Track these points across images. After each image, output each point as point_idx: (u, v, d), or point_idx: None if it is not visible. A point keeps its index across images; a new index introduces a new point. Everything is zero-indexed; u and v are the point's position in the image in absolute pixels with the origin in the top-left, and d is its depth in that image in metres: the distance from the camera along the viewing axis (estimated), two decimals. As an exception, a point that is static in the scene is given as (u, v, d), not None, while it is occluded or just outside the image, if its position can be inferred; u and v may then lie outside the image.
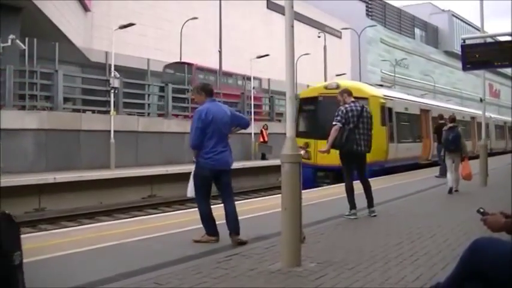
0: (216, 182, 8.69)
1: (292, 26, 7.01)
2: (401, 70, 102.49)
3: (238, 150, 30.71)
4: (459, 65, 17.26)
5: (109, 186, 24.43)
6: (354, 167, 11.52)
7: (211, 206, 8.75)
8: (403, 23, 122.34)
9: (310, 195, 13.65)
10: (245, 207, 12.59)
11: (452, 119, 17.33)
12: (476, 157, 21.96)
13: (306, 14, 78.14)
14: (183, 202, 22.49)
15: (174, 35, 49.52)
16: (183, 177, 11.43)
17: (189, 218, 10.59)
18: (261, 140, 36.90)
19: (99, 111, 29.86)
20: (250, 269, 6.84)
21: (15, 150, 23.15)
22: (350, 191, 11.21)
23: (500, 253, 3.52)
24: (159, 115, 33.82)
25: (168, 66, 40.32)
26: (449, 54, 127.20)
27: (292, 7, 7.06)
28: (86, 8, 46.41)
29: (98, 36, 46.47)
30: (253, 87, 39.07)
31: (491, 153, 33.25)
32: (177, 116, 34.51)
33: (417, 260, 7.17)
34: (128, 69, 36.45)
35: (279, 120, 41.82)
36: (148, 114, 34.05)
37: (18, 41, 24.51)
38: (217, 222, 8.64)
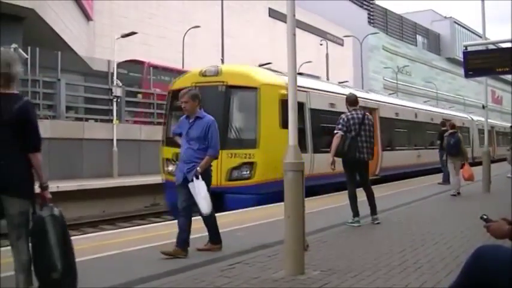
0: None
1: (294, 34, 7.01)
2: (404, 77, 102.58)
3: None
4: (461, 71, 17.28)
5: (112, 195, 24.44)
6: (355, 174, 11.52)
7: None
8: (405, 30, 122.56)
9: (313, 203, 13.63)
10: (247, 216, 12.61)
11: (453, 126, 18.61)
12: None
13: (308, 22, 78.30)
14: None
15: (177, 43, 49.59)
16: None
17: (193, 226, 10.58)
18: None
19: (102, 120, 29.91)
20: (254, 277, 6.83)
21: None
22: (353, 199, 11.20)
23: (504, 260, 3.51)
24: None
25: (120, 65, 36.00)
26: (452, 61, 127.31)
27: (294, 15, 7.06)
28: (88, 17, 46.51)
29: (100, 45, 46.54)
30: None
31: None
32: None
33: (420, 268, 7.15)
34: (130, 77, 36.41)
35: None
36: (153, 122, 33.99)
37: (20, 50, 24.55)
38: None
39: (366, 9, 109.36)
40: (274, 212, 11.46)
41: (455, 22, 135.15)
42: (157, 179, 26.43)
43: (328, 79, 49.50)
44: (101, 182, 24.42)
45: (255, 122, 16.18)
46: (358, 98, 12.15)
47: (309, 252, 7.33)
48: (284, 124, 14.47)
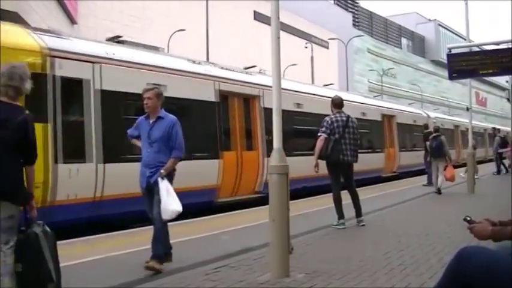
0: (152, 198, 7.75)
1: (279, 37, 7.01)
2: (389, 79, 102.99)
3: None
4: (446, 74, 17.34)
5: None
6: (339, 177, 11.53)
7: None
8: (389, 32, 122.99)
9: (298, 206, 13.63)
10: (232, 219, 12.61)
11: (436, 129, 19.88)
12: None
13: (293, 25, 78.36)
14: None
15: (162, 46, 49.48)
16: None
17: (179, 230, 10.56)
18: None
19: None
20: (239, 280, 6.82)
21: None
22: (338, 201, 11.22)
23: (486, 261, 3.53)
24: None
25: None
26: (436, 63, 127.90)
27: (278, 18, 7.06)
28: (72, 21, 46.30)
29: (85, 48, 46.27)
30: None
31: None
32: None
33: (405, 269, 7.17)
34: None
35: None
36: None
37: None
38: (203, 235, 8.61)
39: (350, 11, 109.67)
40: (260, 215, 11.46)
41: (439, 25, 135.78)
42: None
43: (313, 82, 49.41)
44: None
45: None
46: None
47: (294, 255, 7.31)
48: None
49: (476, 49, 17.56)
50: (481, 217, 4.08)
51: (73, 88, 11.98)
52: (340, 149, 11.13)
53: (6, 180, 5.28)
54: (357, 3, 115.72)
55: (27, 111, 5.47)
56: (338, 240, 10.02)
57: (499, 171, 29.78)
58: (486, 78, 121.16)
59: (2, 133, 5.23)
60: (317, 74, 63.59)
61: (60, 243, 6.16)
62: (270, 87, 7.13)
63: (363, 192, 13.82)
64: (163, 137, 7.74)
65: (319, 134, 11.29)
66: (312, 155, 11.70)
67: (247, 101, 17.71)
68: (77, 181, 11.57)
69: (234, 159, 16.64)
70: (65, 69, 11.75)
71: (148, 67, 14.05)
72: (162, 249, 7.62)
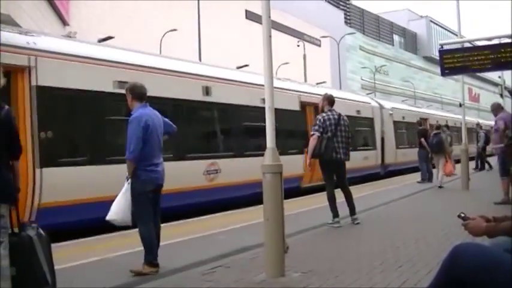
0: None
1: (270, 36, 7.01)
2: (382, 77, 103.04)
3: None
4: (438, 70, 17.37)
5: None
6: (333, 175, 11.53)
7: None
8: (381, 30, 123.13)
9: (292, 205, 13.64)
10: (228, 219, 12.61)
11: (437, 127, 21.24)
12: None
13: (285, 23, 78.32)
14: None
15: (154, 47, 49.48)
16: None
17: (175, 230, 10.55)
18: None
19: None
20: (235, 280, 6.82)
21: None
22: (332, 199, 11.21)
23: (480, 258, 3.53)
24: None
25: None
26: (429, 59, 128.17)
27: (270, 17, 7.06)
28: (64, 22, 46.19)
29: (77, 50, 46.18)
30: None
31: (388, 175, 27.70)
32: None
33: (401, 267, 7.17)
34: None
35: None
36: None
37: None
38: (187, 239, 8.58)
39: (342, 9, 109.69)
40: (255, 214, 11.46)
41: (431, 21, 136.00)
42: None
43: (305, 80, 49.37)
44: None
45: None
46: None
47: (289, 254, 7.31)
48: None
49: (468, 45, 17.55)
50: (475, 213, 4.08)
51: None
52: (333, 147, 11.14)
53: None
54: (348, 0, 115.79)
55: (6, 105, 5.32)
56: (333, 239, 10.02)
57: (480, 168, 28.69)
58: (479, 74, 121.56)
59: None
60: (309, 72, 63.55)
61: (55, 246, 6.15)
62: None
63: (358, 190, 13.84)
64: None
65: (312, 133, 11.29)
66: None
67: (317, 108, 17.84)
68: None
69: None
70: None
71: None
72: (151, 254, 7.43)
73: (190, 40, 51.39)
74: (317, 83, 34.02)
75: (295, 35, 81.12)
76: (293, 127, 20.12)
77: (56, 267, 5.72)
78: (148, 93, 7.88)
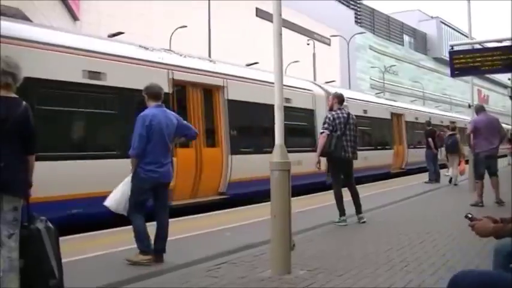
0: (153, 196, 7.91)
1: (281, 34, 7.02)
2: (391, 77, 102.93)
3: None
4: (448, 71, 17.34)
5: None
6: (341, 173, 11.54)
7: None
8: (392, 30, 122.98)
9: (299, 203, 13.63)
10: (234, 216, 12.61)
11: (453, 128, 22.01)
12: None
13: (295, 22, 78.36)
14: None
15: (164, 43, 49.52)
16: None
17: (181, 225, 10.56)
18: None
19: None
20: (241, 276, 6.83)
21: None
22: (339, 198, 11.22)
23: (478, 285, 3.53)
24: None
25: None
26: (438, 60, 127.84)
27: (281, 15, 7.07)
28: (74, 17, 46.36)
29: (87, 45, 46.23)
30: None
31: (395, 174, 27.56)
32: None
33: (407, 266, 7.17)
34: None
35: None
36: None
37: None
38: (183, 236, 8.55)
39: (352, 9, 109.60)
40: (262, 211, 11.46)
41: (441, 22, 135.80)
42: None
43: (315, 79, 49.29)
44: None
45: None
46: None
47: (296, 251, 7.31)
48: None
49: (478, 46, 17.53)
50: (481, 215, 4.08)
51: None
52: (342, 145, 11.15)
53: (11, 173, 5.27)
54: (359, 0, 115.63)
55: (24, 102, 5.46)
56: (340, 237, 10.02)
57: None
58: (488, 76, 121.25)
59: (7, 126, 5.24)
60: (319, 71, 63.51)
61: (63, 239, 6.16)
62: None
63: (365, 190, 13.84)
64: None
65: (321, 131, 11.30)
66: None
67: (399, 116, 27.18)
68: None
69: (400, 150, 29.30)
70: None
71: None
72: (142, 242, 7.66)
73: (200, 36, 51.43)
74: (326, 82, 33.94)
75: (305, 34, 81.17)
76: (386, 130, 28.23)
77: (63, 260, 5.74)
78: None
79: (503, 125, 41.61)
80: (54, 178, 10.47)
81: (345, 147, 11.21)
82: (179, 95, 14.57)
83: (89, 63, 12.25)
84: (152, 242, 7.70)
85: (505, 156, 32.69)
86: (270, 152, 7.03)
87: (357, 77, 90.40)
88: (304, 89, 21.37)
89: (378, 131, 27.43)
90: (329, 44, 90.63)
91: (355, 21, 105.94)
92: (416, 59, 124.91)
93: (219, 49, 50.86)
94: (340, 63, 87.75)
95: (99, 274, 7.17)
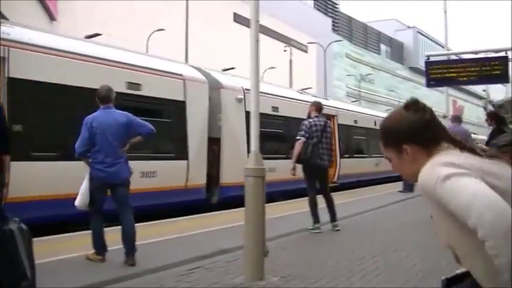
0: (112, 197, 8.10)
1: (258, 40, 7.02)
2: (367, 85, 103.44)
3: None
4: (423, 81, 17.45)
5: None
6: (316, 181, 11.55)
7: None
8: (369, 38, 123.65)
9: (273, 209, 13.62)
10: (206, 220, 12.57)
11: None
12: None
13: (272, 28, 78.41)
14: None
15: (141, 46, 49.39)
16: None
17: (153, 230, 10.51)
18: None
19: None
20: (213, 282, 6.81)
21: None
22: (313, 205, 11.23)
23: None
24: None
25: None
26: (414, 70, 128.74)
27: (258, 21, 7.07)
28: (51, 17, 46.00)
29: (63, 45, 46.01)
30: None
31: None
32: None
33: (380, 275, 7.19)
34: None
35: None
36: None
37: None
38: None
39: (330, 16, 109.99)
40: (235, 217, 11.44)
41: (418, 32, 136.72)
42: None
43: (291, 85, 49.42)
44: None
45: None
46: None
47: (269, 258, 7.30)
48: None
49: (454, 57, 17.68)
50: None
51: None
52: (318, 153, 11.17)
53: None
54: (336, 8, 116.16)
55: None
56: (313, 244, 10.02)
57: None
58: (463, 87, 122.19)
59: None
60: (295, 77, 63.68)
61: (36, 240, 6.11)
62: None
63: (339, 197, 13.87)
64: None
65: (297, 138, 11.31)
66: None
67: None
68: None
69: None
70: None
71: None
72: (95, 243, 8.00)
73: (177, 40, 51.33)
74: (302, 89, 33.88)
75: (282, 40, 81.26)
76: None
77: (36, 261, 5.70)
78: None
79: (476, 136, 41.32)
80: None
81: (321, 155, 11.24)
82: None
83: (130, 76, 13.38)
84: (107, 244, 8.00)
85: None
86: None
87: (333, 85, 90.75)
88: (170, 73, 15.14)
89: (292, 134, 16.39)
90: (306, 51, 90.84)
91: (333, 29, 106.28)
92: (392, 68, 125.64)
93: (197, 52, 50.81)
94: (316, 71, 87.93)
95: (71, 276, 7.11)
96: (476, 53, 16.42)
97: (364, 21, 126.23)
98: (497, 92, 79.24)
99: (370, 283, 6.73)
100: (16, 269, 5.37)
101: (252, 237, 6.83)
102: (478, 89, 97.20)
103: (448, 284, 2.67)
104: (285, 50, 68.05)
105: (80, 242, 8.78)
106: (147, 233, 10.04)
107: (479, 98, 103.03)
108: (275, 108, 19.28)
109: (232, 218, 11.80)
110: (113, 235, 8.01)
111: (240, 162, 10.06)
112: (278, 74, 59.79)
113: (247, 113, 12.32)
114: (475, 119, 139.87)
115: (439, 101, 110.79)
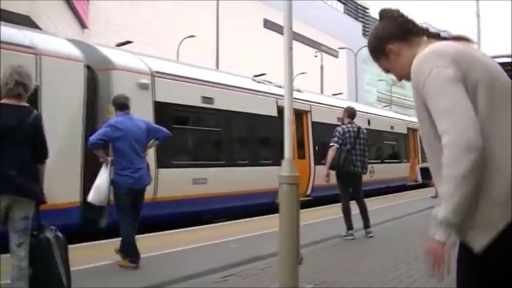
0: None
1: (291, 48, 7.01)
2: (398, 90, 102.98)
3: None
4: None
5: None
6: (349, 187, 11.51)
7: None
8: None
9: (306, 216, 13.58)
10: (240, 227, 12.58)
11: None
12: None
13: (303, 33, 78.48)
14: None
15: (171, 53, 49.63)
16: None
17: (187, 237, 10.54)
18: None
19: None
20: (248, 289, 6.81)
21: None
22: (346, 212, 11.19)
23: None
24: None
25: None
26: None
27: (291, 28, 7.06)
28: (83, 25, 46.49)
29: (95, 53, 46.40)
30: None
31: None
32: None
33: (415, 282, 7.14)
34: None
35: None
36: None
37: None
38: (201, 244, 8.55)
39: (360, 21, 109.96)
40: (268, 223, 11.43)
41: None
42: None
43: (322, 91, 49.33)
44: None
45: None
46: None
47: (303, 265, 7.28)
48: None
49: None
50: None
51: None
52: (351, 159, 11.14)
53: (25, 178, 5.36)
54: (367, 12, 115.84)
55: (35, 111, 5.60)
56: (347, 251, 9.98)
57: None
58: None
59: (18, 134, 5.34)
60: (326, 83, 63.56)
61: (72, 247, 6.16)
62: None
63: (371, 204, 13.78)
64: None
65: (331, 144, 11.29)
66: None
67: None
68: None
69: (303, 167, 19.45)
70: None
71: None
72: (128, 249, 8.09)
73: (207, 46, 51.54)
74: (333, 94, 33.73)
75: (312, 45, 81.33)
76: (269, 136, 16.77)
77: (72, 268, 5.77)
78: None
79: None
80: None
81: (354, 162, 11.21)
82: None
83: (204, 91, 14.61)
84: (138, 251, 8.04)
85: None
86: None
87: (364, 90, 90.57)
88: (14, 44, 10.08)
89: (254, 136, 17.00)
90: (336, 56, 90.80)
91: (363, 34, 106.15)
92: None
93: (227, 58, 50.96)
94: (347, 76, 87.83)
95: (107, 283, 7.16)
96: (510, 56, 16.25)
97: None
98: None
99: (405, 291, 6.69)
100: (52, 276, 5.52)
101: (286, 244, 6.82)
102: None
103: None
104: (315, 56, 67.89)
105: (109, 249, 8.84)
106: (179, 240, 10.10)
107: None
108: (212, 99, 14.96)
109: (265, 225, 11.80)
110: (144, 241, 8.05)
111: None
112: (309, 80, 59.72)
113: (157, 104, 12.78)
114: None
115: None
